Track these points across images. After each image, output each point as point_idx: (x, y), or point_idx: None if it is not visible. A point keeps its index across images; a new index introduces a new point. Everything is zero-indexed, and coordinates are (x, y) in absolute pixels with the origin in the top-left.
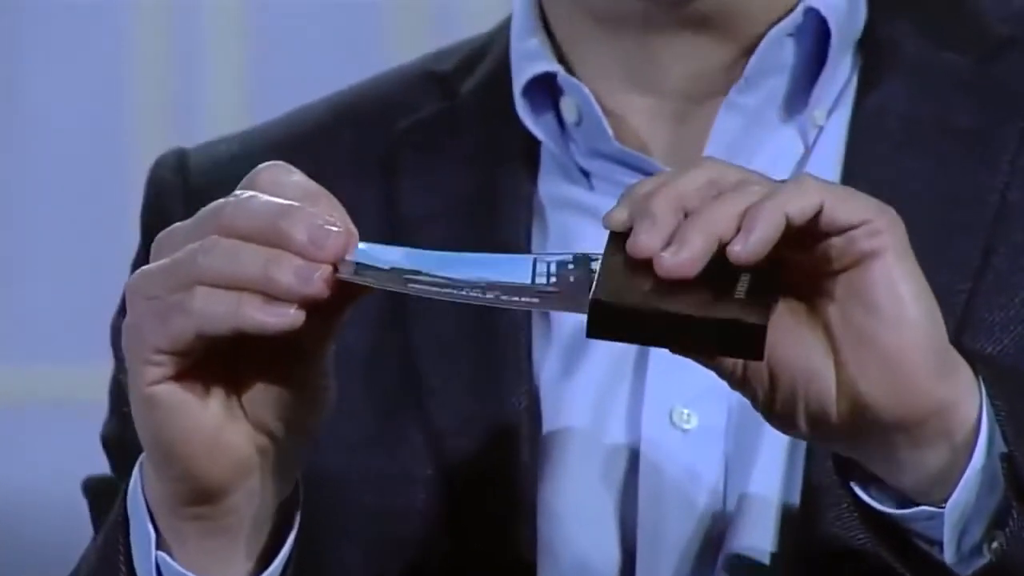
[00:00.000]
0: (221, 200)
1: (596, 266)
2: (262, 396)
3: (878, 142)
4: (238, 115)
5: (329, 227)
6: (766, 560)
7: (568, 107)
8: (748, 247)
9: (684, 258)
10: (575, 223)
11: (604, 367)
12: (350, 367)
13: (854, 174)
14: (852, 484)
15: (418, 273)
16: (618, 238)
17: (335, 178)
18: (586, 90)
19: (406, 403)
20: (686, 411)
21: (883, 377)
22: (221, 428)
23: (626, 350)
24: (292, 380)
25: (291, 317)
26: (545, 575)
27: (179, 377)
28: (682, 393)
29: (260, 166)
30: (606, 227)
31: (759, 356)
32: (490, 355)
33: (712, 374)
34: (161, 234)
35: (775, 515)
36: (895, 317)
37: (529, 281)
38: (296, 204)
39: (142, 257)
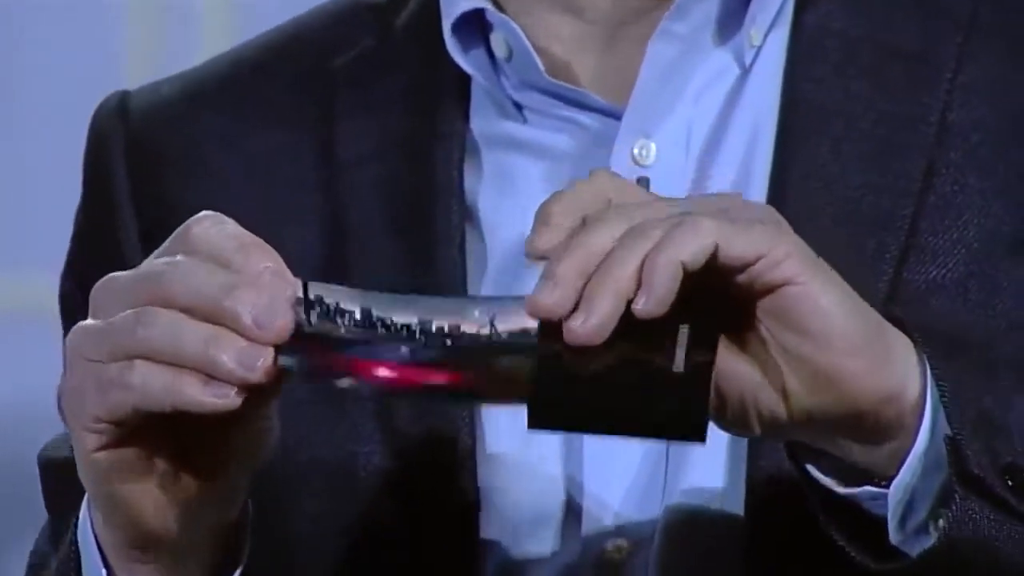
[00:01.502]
0: (159, 263)
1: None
2: (206, 447)
3: (817, 63)
4: None
5: (273, 308)
6: (713, 495)
7: (498, 42)
8: (650, 304)
9: (592, 326)
10: (510, 160)
11: None
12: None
13: (794, 97)
14: (806, 465)
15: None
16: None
17: (274, 123)
18: (514, 25)
19: None
20: None
21: (825, 387)
22: (167, 483)
23: None
24: (236, 430)
25: (231, 399)
26: (488, 518)
27: (122, 442)
28: None
29: (192, 220)
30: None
31: (701, 440)
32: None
33: None
34: (98, 285)
35: (723, 450)
36: (823, 333)
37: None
38: (240, 279)
39: (88, 203)
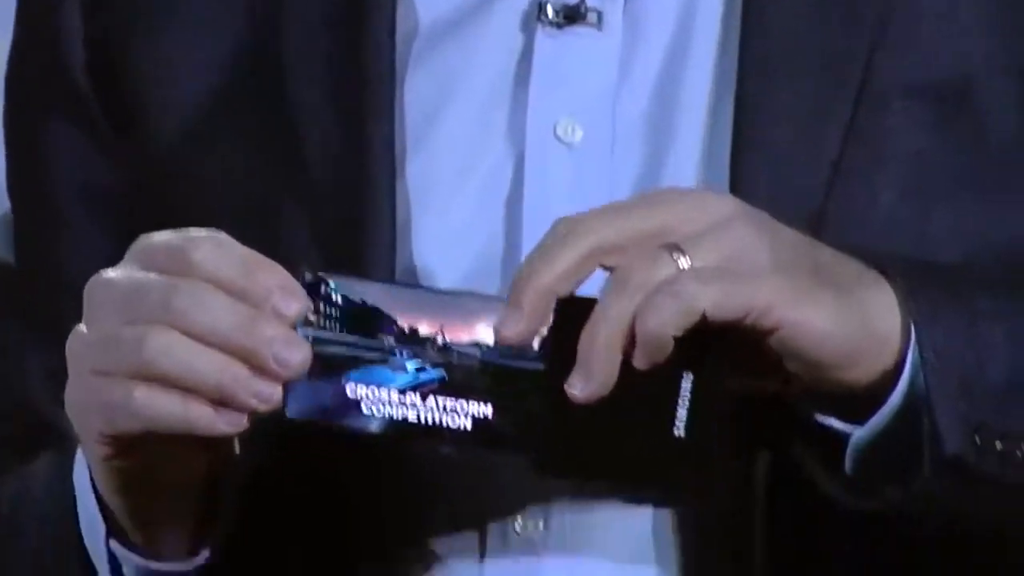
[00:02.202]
0: (162, 281)
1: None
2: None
3: None
4: None
5: (290, 343)
6: None
7: None
8: (644, 364)
9: (594, 389)
10: None
11: (484, 83)
12: (219, 100)
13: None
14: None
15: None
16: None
17: None
18: None
19: (280, 158)
20: (571, 124)
21: (824, 381)
22: (169, 464)
23: (507, 64)
24: None
25: (243, 425)
26: None
27: (132, 449)
28: (567, 103)
29: (195, 238)
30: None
31: (706, 505)
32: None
33: (598, 82)
34: (96, 283)
35: None
36: (820, 360)
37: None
38: (256, 314)
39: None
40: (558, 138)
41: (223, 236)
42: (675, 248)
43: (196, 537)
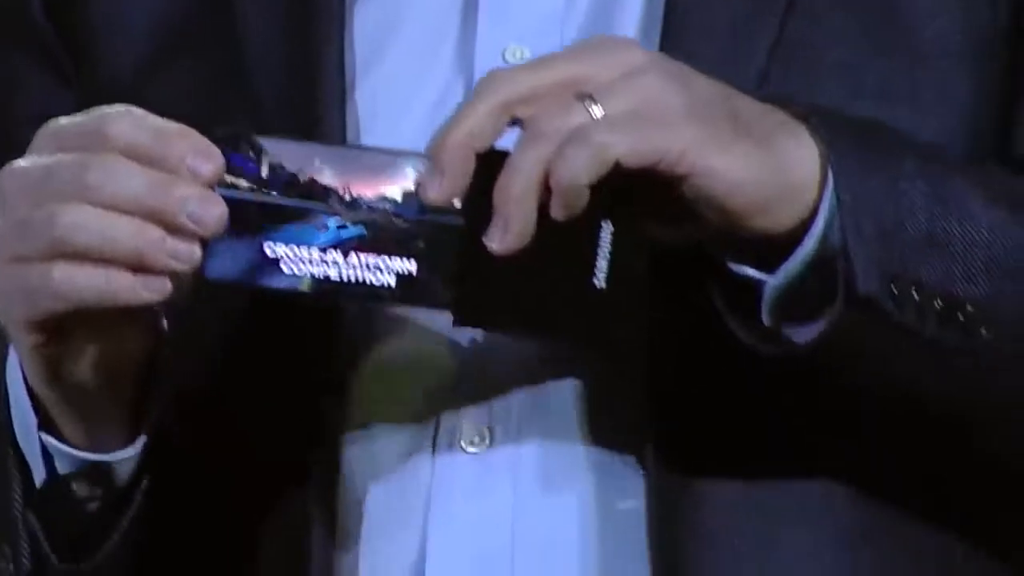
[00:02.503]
0: (73, 158)
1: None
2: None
3: None
4: None
5: (206, 200)
6: None
7: None
8: (561, 214)
9: (511, 240)
10: None
11: (432, 11)
12: (170, 38)
13: None
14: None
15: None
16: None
17: None
18: None
19: (231, 83)
20: (519, 49)
21: (737, 226)
22: (99, 348)
23: None
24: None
25: (166, 289)
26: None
27: (58, 336)
28: (515, 29)
29: (104, 117)
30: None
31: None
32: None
33: (544, 8)
34: (8, 170)
35: None
36: (734, 206)
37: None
38: (171, 178)
39: None
40: (507, 63)
41: (136, 110)
42: (587, 97)
43: (132, 427)
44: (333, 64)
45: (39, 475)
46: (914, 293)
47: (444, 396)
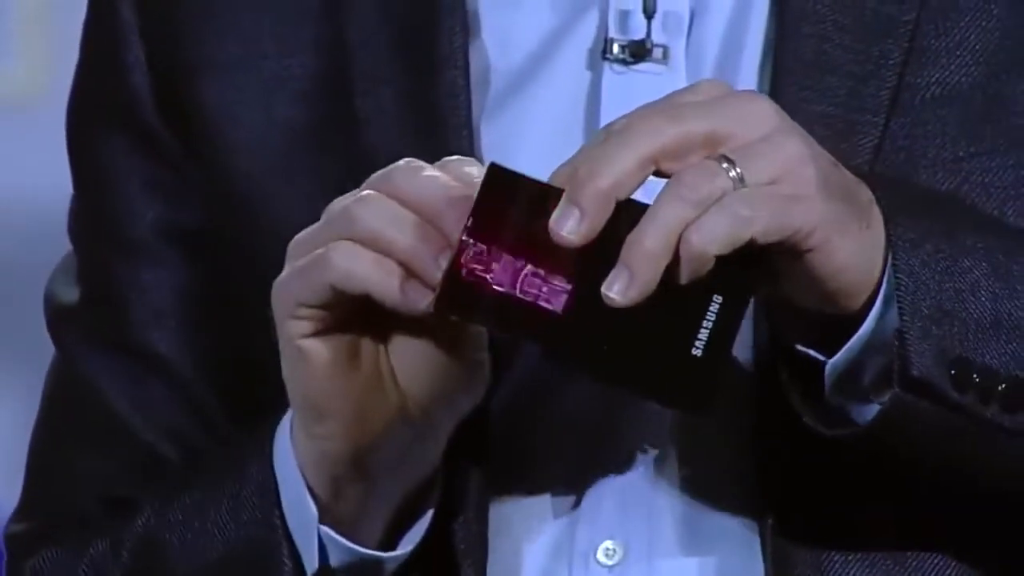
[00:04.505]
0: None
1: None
2: (413, 364)
3: None
4: None
5: None
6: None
7: None
8: (683, 276)
9: (633, 295)
10: (509, 21)
11: (555, 124)
12: (294, 140)
13: None
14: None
15: None
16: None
17: (279, 24)
18: None
19: (351, 170)
20: None
21: (830, 305)
22: (370, 391)
23: (576, 105)
24: (444, 350)
25: (422, 304)
26: None
27: (326, 333)
28: None
29: (396, 165)
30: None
31: (702, 415)
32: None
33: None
34: (299, 237)
35: None
36: (834, 288)
37: None
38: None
39: (91, 29)
40: None
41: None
42: (728, 160)
43: (392, 527)
44: None
45: (311, 567)
46: (975, 377)
47: (583, 508)
